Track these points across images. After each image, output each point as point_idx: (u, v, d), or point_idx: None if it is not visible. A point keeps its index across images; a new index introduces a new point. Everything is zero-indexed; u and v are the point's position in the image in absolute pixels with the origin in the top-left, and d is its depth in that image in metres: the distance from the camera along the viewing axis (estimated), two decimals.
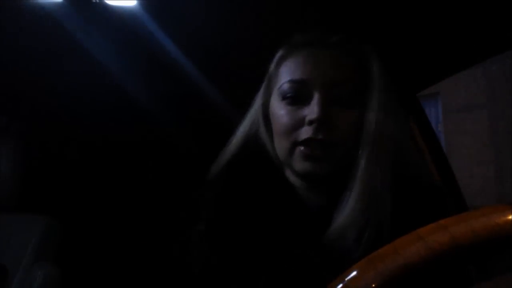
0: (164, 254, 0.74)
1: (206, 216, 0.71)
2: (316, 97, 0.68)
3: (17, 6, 1.21)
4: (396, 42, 1.24)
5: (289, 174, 0.74)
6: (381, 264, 0.30)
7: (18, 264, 1.45)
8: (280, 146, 0.72)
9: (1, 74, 1.54)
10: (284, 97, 0.71)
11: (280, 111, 0.71)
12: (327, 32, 0.74)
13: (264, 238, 0.68)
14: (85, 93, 1.67)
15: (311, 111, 0.67)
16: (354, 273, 0.30)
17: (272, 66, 0.77)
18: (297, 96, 0.70)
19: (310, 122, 0.67)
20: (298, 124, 0.69)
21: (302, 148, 0.68)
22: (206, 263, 0.68)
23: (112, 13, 1.24)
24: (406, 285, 0.29)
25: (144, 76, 1.59)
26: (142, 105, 1.71)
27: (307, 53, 0.72)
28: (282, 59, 0.75)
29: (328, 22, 1.15)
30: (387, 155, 0.68)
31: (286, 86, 0.71)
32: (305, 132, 0.68)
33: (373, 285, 0.29)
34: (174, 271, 0.71)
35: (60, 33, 1.29)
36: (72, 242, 1.68)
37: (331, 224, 0.66)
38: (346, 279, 0.30)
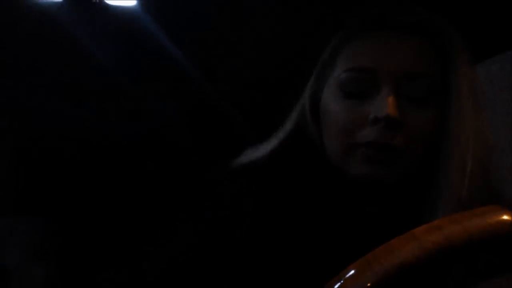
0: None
1: (246, 213, 0.61)
2: (385, 91, 0.54)
3: (17, 6, 1.21)
4: None
5: (341, 177, 0.59)
6: (377, 264, 0.30)
7: (18, 264, 1.45)
8: (332, 146, 0.59)
9: (1, 74, 1.54)
10: (342, 89, 0.58)
11: (335, 105, 0.58)
12: (400, 11, 0.60)
13: (303, 245, 0.57)
14: (85, 93, 1.67)
15: (378, 107, 0.53)
16: (351, 272, 0.31)
17: (327, 53, 0.63)
18: (359, 88, 0.57)
19: (375, 121, 0.53)
20: (357, 122, 0.55)
21: (363, 149, 0.55)
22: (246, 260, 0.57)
23: (112, 13, 1.25)
24: (401, 284, 0.30)
25: (143, 75, 1.59)
26: (142, 104, 1.71)
27: (376, 37, 0.58)
28: (342, 43, 0.61)
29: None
30: (481, 168, 0.54)
31: (346, 75, 0.57)
32: (367, 134, 0.54)
33: (368, 284, 0.29)
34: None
35: (60, 33, 1.29)
36: (72, 242, 1.68)
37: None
38: (343, 278, 0.31)
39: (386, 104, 0.53)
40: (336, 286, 0.31)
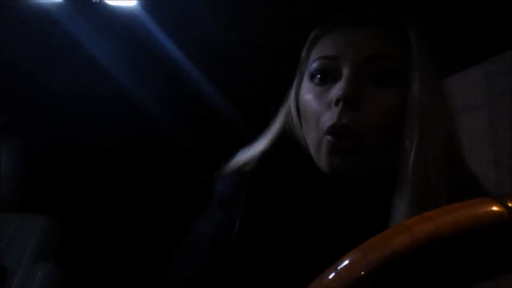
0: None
1: (238, 216, 0.62)
2: (345, 73, 0.58)
3: (17, 6, 1.21)
4: None
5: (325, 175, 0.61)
6: (371, 253, 0.32)
7: (18, 264, 1.45)
8: (308, 138, 0.61)
9: (1, 74, 1.54)
10: (312, 78, 0.62)
11: (308, 95, 0.62)
12: (364, 9, 0.64)
13: (298, 245, 0.58)
14: (85, 93, 1.67)
15: (338, 90, 0.57)
16: (346, 262, 0.32)
17: (304, 50, 0.67)
18: (326, 75, 0.60)
19: (336, 102, 0.56)
20: (324, 108, 0.58)
21: (328, 137, 0.57)
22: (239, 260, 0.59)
23: (112, 13, 1.25)
24: (394, 272, 0.31)
25: (144, 75, 1.59)
26: (142, 105, 1.71)
27: (341, 32, 0.62)
28: (315, 40, 0.65)
29: None
30: (439, 146, 0.55)
31: (314, 65, 0.62)
32: (330, 117, 0.57)
33: (362, 273, 0.31)
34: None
35: (60, 33, 1.29)
36: (72, 242, 1.68)
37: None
38: (338, 267, 0.32)
39: (344, 84, 0.56)
40: (331, 275, 0.32)
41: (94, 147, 1.88)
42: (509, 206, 0.31)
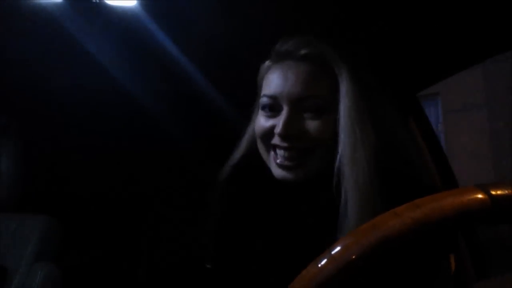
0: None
1: (214, 213, 0.79)
2: (283, 112, 0.74)
3: (17, 6, 1.21)
4: (395, 42, 1.25)
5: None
6: (362, 238, 0.34)
7: (18, 264, 1.45)
8: (260, 149, 0.79)
9: (1, 74, 1.54)
10: (263, 109, 0.78)
11: (259, 120, 0.79)
12: (301, 42, 0.77)
13: (260, 234, 0.74)
14: (85, 93, 1.67)
15: (278, 125, 0.74)
16: (339, 246, 0.35)
17: (261, 74, 0.83)
18: (271, 109, 0.77)
19: (278, 135, 0.74)
20: (270, 131, 0.76)
21: (274, 154, 0.75)
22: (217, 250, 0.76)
23: (112, 13, 1.24)
24: (384, 255, 0.34)
25: (144, 76, 1.59)
26: (142, 105, 1.71)
27: (282, 66, 0.77)
28: (267, 69, 0.81)
29: (316, 26, 1.16)
30: (364, 159, 0.69)
31: (263, 100, 0.78)
32: (275, 140, 0.75)
33: (353, 256, 0.33)
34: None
35: (60, 33, 1.29)
36: (72, 242, 1.68)
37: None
38: (332, 252, 0.34)
39: (281, 123, 0.73)
40: (325, 259, 0.34)
41: (94, 147, 1.88)
42: (492, 194, 0.34)
